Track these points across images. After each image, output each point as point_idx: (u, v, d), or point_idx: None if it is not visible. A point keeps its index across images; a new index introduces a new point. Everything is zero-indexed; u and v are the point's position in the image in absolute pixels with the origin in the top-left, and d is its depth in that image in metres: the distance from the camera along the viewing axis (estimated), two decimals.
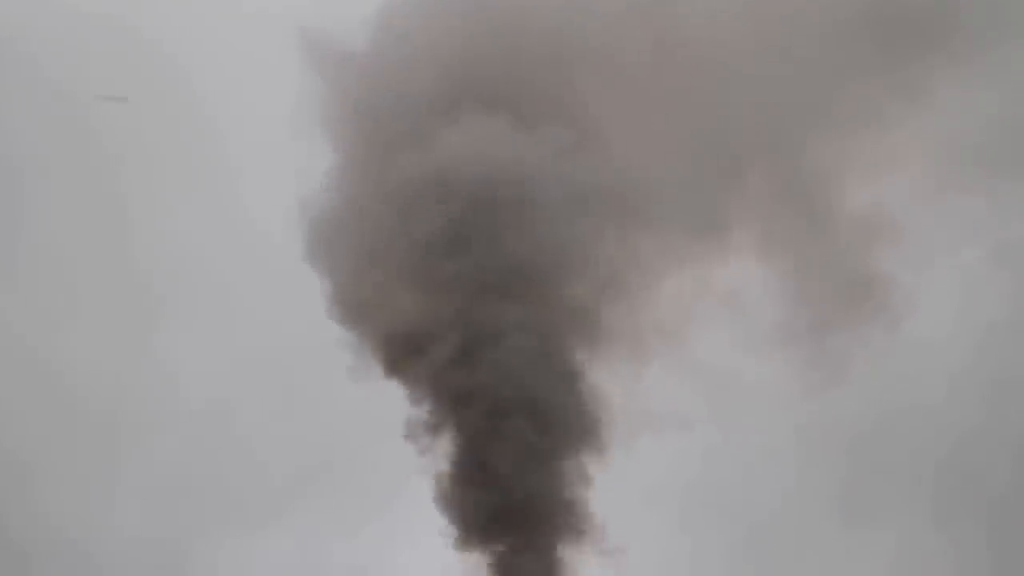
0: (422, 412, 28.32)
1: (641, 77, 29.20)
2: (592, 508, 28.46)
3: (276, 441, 35.77)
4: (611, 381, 28.92)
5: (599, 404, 28.61)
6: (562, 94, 29.10)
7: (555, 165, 28.39)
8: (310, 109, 29.52)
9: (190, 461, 36.47)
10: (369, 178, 28.72)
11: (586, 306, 28.78)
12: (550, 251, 28.20)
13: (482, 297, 28.10)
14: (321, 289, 28.92)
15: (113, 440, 36.82)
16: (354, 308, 28.76)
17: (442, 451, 28.26)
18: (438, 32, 29.30)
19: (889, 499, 35.75)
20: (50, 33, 36.67)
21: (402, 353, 28.48)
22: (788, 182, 29.72)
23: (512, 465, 27.65)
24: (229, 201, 35.80)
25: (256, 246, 33.75)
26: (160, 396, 36.82)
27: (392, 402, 28.68)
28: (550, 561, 28.10)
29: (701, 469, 33.93)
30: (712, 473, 34.53)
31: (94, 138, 37.11)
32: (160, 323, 37.21)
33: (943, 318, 32.01)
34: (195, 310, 36.98)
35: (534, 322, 28.16)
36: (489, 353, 27.82)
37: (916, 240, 29.88)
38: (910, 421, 34.65)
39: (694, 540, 34.33)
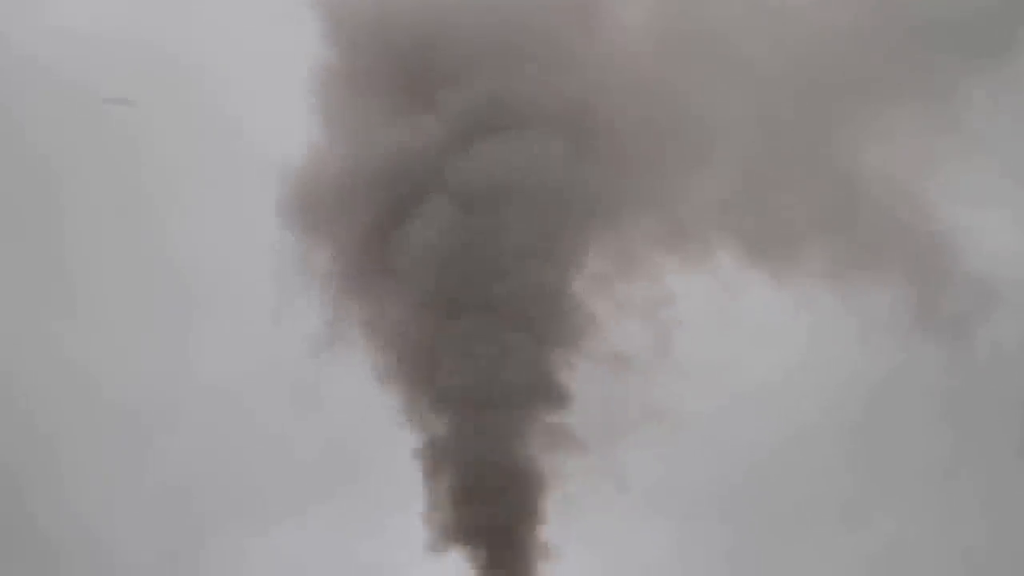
0: None
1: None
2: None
3: (298, 437, 35.79)
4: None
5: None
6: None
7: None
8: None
9: (211, 458, 36.81)
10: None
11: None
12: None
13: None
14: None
15: (137, 437, 37.12)
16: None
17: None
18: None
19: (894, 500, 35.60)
20: (70, 43, 37.07)
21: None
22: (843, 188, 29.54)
23: None
24: (251, 199, 35.82)
25: (278, 242, 33.69)
26: (181, 392, 37.17)
27: None
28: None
29: (701, 471, 33.99)
30: (713, 475, 34.55)
31: (122, 144, 37.52)
32: (182, 320, 37.51)
33: None
34: (217, 307, 37.16)
35: None
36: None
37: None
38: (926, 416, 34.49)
39: (693, 545, 34.47)
